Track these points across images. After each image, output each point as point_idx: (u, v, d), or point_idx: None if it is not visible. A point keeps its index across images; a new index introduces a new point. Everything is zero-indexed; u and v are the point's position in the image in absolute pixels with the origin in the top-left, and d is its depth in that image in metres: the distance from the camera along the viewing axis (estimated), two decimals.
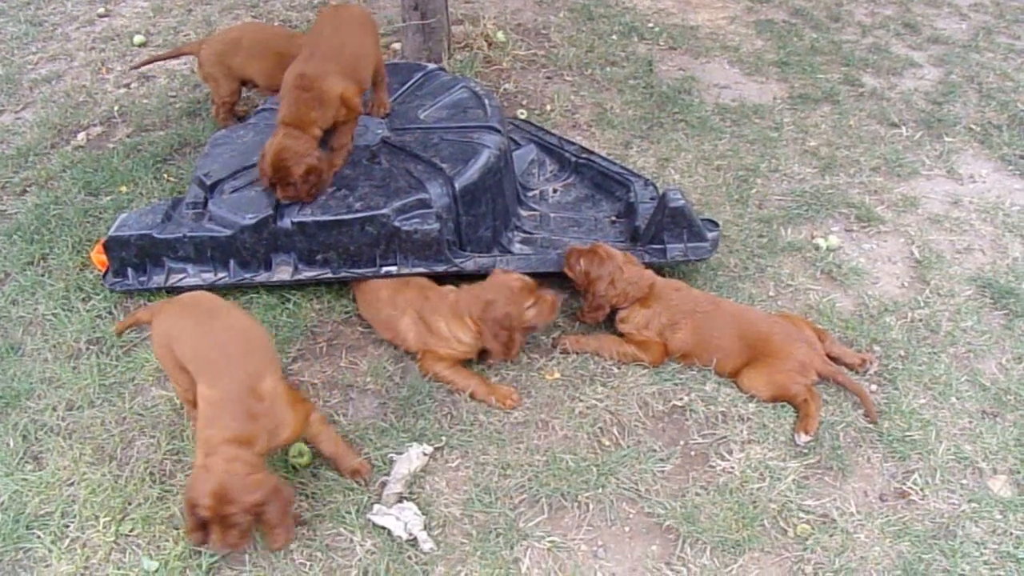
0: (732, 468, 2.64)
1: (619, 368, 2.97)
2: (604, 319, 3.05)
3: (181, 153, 4.12)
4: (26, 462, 2.69)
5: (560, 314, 3.11)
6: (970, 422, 2.81)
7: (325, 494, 2.54)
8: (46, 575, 2.38)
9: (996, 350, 3.10)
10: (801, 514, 2.51)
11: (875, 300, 3.30)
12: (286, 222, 3.07)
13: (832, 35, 5.31)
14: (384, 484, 2.55)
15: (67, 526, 2.49)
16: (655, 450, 2.70)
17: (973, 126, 4.43)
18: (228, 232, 3.10)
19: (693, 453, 2.70)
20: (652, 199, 3.46)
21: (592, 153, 3.83)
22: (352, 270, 3.13)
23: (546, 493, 2.55)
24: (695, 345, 2.93)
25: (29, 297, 3.29)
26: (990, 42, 5.28)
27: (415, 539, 2.40)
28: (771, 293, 3.32)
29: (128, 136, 4.30)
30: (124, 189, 3.85)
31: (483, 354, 2.95)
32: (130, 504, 2.54)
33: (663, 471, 2.64)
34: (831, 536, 2.46)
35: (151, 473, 2.63)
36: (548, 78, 4.74)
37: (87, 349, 3.06)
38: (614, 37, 5.18)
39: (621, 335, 3.03)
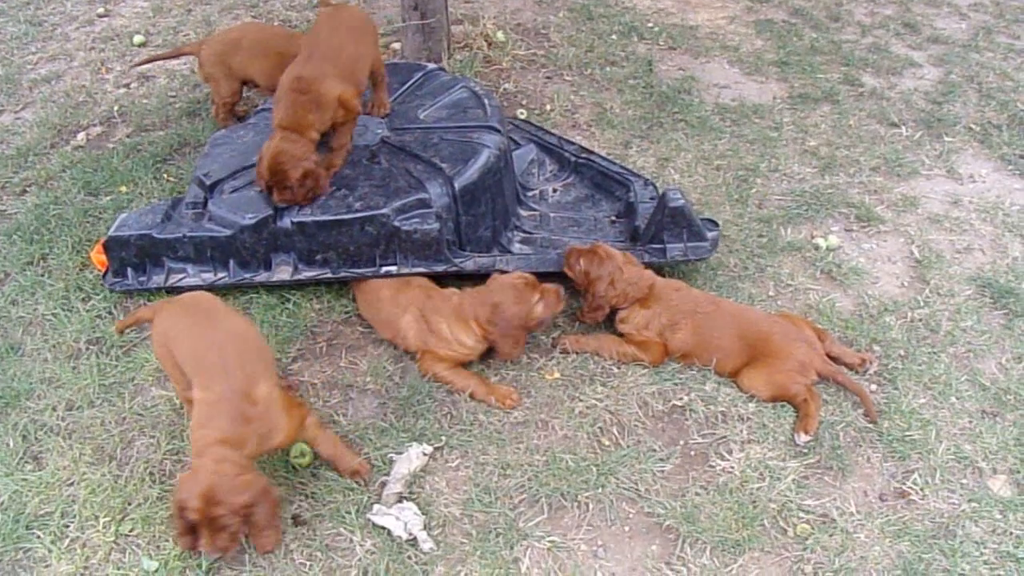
0: (732, 468, 2.64)
1: (619, 368, 2.97)
2: (604, 319, 3.05)
3: (181, 153, 4.12)
4: (26, 462, 2.69)
5: (560, 314, 3.11)
6: (970, 422, 2.81)
7: (325, 494, 2.54)
8: (46, 575, 2.38)
9: (996, 350, 3.10)
10: (801, 514, 2.51)
11: (875, 300, 3.30)
12: (286, 222, 3.07)
13: (832, 35, 5.31)
14: (384, 484, 2.55)
15: (67, 526, 2.49)
16: (655, 450, 2.70)
17: (973, 126, 4.43)
18: (228, 232, 3.10)
19: (693, 453, 2.70)
20: (652, 199, 3.46)
21: (592, 153, 3.83)
22: (352, 270, 3.14)
23: (546, 493, 2.55)
24: (695, 345, 2.93)
25: (29, 297, 3.29)
26: (990, 42, 5.28)
27: (415, 539, 2.40)
28: (771, 293, 3.32)
29: (128, 136, 4.30)
30: (124, 189, 3.85)
31: (488, 353, 2.95)
32: (130, 504, 2.54)
33: (663, 471, 2.64)
34: (831, 536, 2.46)
35: (151, 473, 2.63)
36: (548, 78, 4.74)
37: (87, 349, 3.06)
38: (614, 37, 5.18)
39: (621, 335, 3.03)
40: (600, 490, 2.57)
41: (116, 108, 4.53)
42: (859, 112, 4.52)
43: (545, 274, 3.10)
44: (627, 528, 2.49)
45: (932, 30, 5.41)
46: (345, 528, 2.46)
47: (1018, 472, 2.65)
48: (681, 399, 2.85)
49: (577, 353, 3.01)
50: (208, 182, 3.25)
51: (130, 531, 2.47)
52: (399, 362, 3.01)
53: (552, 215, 3.59)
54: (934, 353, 3.05)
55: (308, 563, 2.38)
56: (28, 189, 3.95)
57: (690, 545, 2.43)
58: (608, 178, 3.68)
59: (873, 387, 2.92)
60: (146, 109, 4.50)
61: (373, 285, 3.11)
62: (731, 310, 2.98)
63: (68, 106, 4.55)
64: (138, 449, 2.72)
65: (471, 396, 2.84)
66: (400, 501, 2.50)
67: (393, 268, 3.11)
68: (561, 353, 3.02)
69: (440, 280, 3.15)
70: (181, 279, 3.19)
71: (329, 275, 3.15)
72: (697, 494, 2.56)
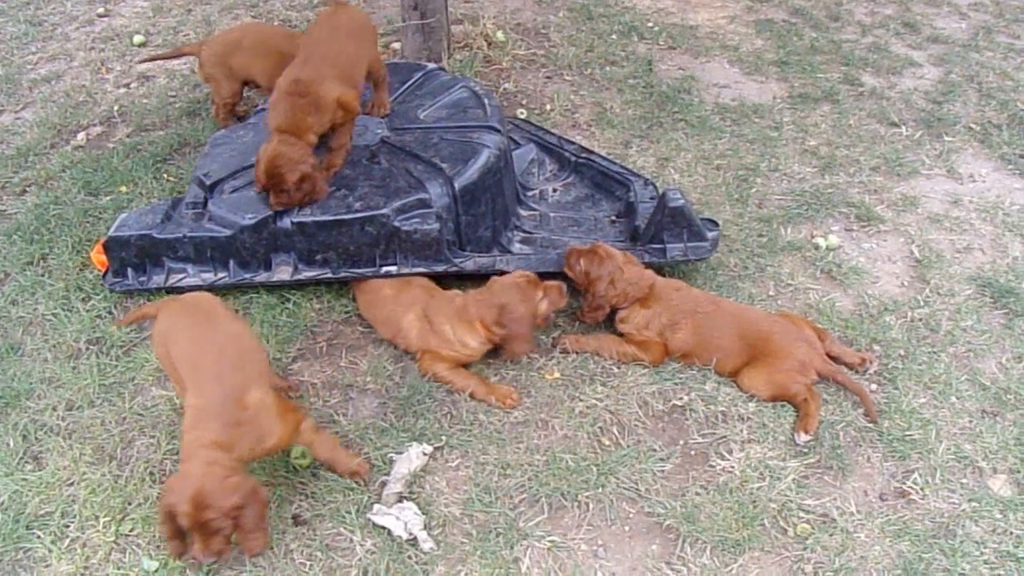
0: (732, 468, 2.64)
1: (619, 368, 2.97)
2: (604, 319, 3.05)
3: (181, 153, 4.12)
4: (26, 462, 2.69)
5: (560, 314, 3.12)
6: (970, 421, 2.81)
7: (325, 494, 2.54)
8: (46, 575, 2.38)
9: (996, 349, 3.10)
10: (801, 513, 2.51)
11: (875, 299, 3.30)
12: (286, 222, 3.07)
13: (832, 34, 5.31)
14: (384, 484, 2.55)
15: (67, 526, 2.49)
16: (655, 450, 2.70)
17: (973, 125, 4.43)
18: (228, 232, 3.10)
19: (693, 453, 2.70)
20: (652, 199, 3.46)
21: (592, 153, 3.83)
22: (352, 270, 3.13)
23: (546, 493, 2.55)
24: (695, 345, 2.93)
25: (29, 297, 3.29)
26: (990, 41, 5.28)
27: (415, 539, 2.40)
28: (771, 292, 3.32)
29: (128, 136, 4.30)
30: (124, 189, 3.85)
31: (489, 353, 2.96)
32: (130, 504, 2.54)
33: (663, 471, 2.64)
34: (831, 535, 2.46)
35: (151, 473, 2.63)
36: (548, 78, 4.74)
37: (87, 349, 3.06)
38: (614, 37, 5.18)
39: (621, 335, 3.03)
40: (600, 490, 2.57)
41: (116, 108, 4.53)
42: (859, 112, 4.52)
43: (545, 274, 3.10)
44: (627, 528, 2.49)
45: (932, 30, 5.41)
46: (345, 528, 2.46)
47: (1018, 472, 2.65)
48: (681, 399, 2.85)
49: (577, 353, 3.01)
50: (208, 182, 3.25)
51: (130, 531, 2.47)
52: (399, 362, 3.01)
53: (552, 215, 3.59)
54: (934, 353, 3.05)
55: (308, 563, 2.38)
56: (28, 189, 3.95)
57: (690, 545, 2.43)
58: (608, 178, 3.68)
59: (873, 387, 2.92)
60: (146, 109, 4.50)
61: (374, 284, 3.11)
62: (731, 310, 2.98)
63: (68, 106, 4.56)
64: (138, 449, 2.72)
65: (471, 396, 2.84)
66: (400, 501, 2.50)
67: (393, 268, 3.11)
68: (561, 353, 3.02)
69: (440, 280, 3.15)
70: (181, 279, 3.19)
71: (329, 275, 3.15)
72: (697, 494, 2.56)
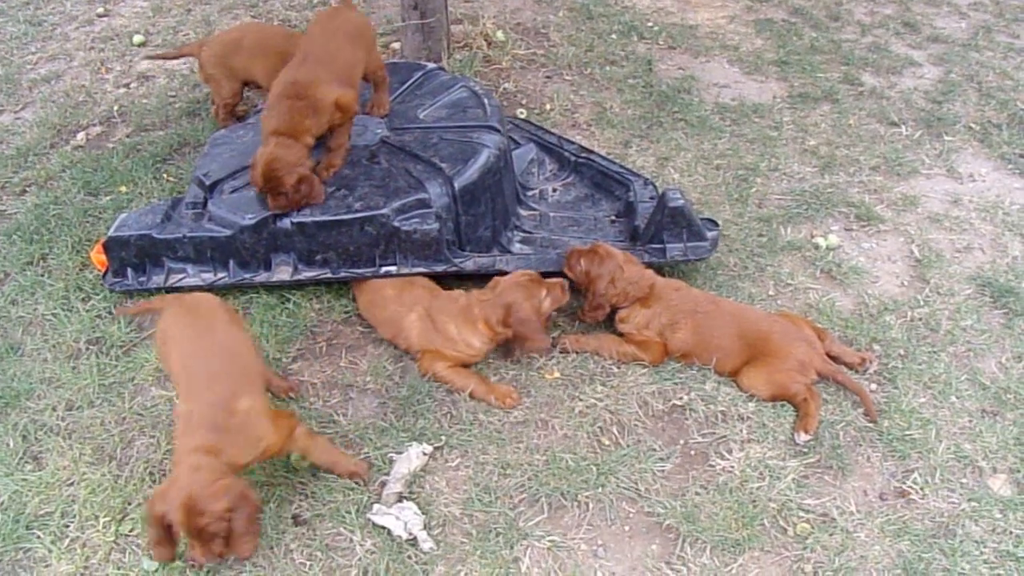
0: (732, 467, 2.64)
1: (619, 367, 2.97)
2: (604, 319, 3.05)
3: (181, 153, 4.12)
4: (26, 462, 2.69)
5: (560, 314, 3.12)
6: (970, 421, 2.81)
7: (325, 494, 2.55)
8: (46, 575, 2.38)
9: (996, 349, 3.10)
10: (801, 513, 2.51)
11: (875, 299, 3.30)
12: (286, 222, 3.07)
13: (832, 34, 5.31)
14: (384, 484, 2.55)
15: (67, 526, 2.49)
16: (655, 449, 2.70)
17: (973, 125, 4.43)
18: (228, 232, 3.10)
19: (693, 452, 2.70)
20: (652, 198, 3.46)
21: (592, 152, 3.83)
22: (352, 270, 3.13)
23: (546, 492, 2.55)
24: (695, 344, 2.93)
25: (29, 297, 3.29)
26: (990, 41, 5.28)
27: (415, 539, 2.41)
28: (771, 292, 3.32)
29: (128, 136, 4.30)
30: (124, 189, 3.85)
31: (505, 351, 2.97)
32: (130, 504, 2.54)
33: (663, 470, 2.64)
34: (831, 535, 2.46)
35: (151, 473, 2.63)
36: (547, 77, 4.74)
37: (87, 349, 3.06)
38: (613, 36, 5.18)
39: (621, 335, 3.03)
40: (600, 490, 2.57)
41: (116, 108, 4.53)
42: (859, 111, 4.52)
43: (545, 273, 3.11)
44: (627, 528, 2.49)
45: (932, 29, 5.41)
46: (345, 528, 2.46)
47: (1018, 471, 2.65)
48: (681, 398, 2.85)
49: (577, 352, 3.01)
50: (208, 182, 3.25)
51: (130, 531, 2.47)
52: (399, 362, 3.01)
53: (552, 215, 3.59)
54: (934, 352, 3.05)
55: (308, 563, 2.38)
56: (28, 189, 3.95)
57: (690, 544, 2.43)
58: (608, 178, 3.68)
59: (873, 386, 2.92)
60: (146, 109, 4.50)
61: (375, 284, 3.11)
62: (731, 309, 2.98)
63: (68, 106, 4.56)
64: (138, 449, 2.72)
65: (471, 395, 2.84)
66: (400, 501, 2.50)
67: (393, 268, 3.11)
68: (561, 353, 3.02)
69: (440, 280, 3.15)
70: (181, 279, 3.19)
71: (329, 275, 3.15)
72: (697, 493, 2.56)
